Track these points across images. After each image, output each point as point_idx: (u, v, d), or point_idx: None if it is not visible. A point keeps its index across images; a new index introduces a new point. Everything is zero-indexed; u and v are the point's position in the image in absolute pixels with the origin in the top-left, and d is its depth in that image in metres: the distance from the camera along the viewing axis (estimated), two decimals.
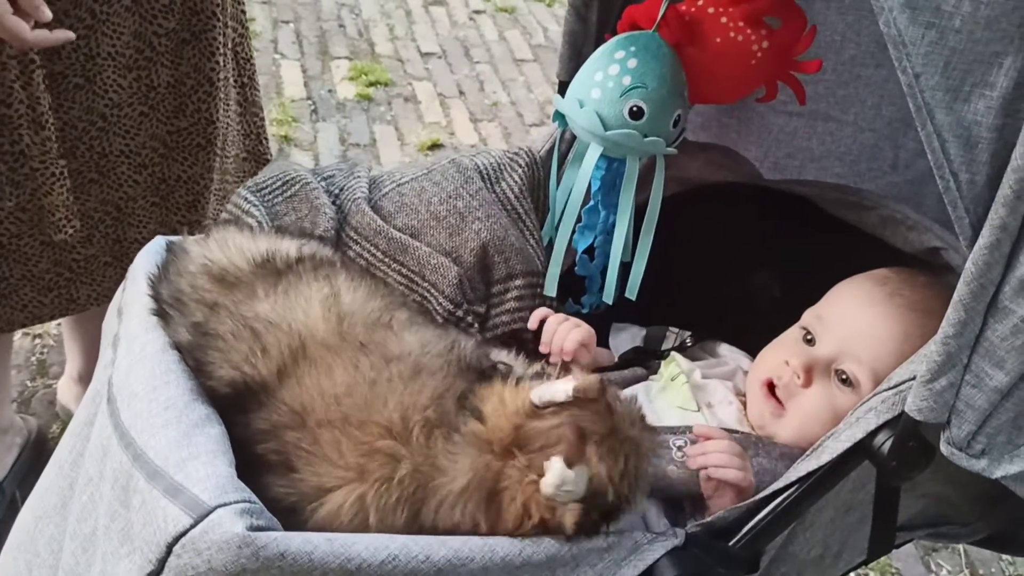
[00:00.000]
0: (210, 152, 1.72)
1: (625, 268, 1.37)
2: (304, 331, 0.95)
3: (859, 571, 2.10)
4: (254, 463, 0.90)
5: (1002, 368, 0.81)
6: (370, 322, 0.99)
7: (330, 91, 3.57)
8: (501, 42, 4.09)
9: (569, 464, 0.84)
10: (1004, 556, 2.22)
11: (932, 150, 0.74)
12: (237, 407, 0.93)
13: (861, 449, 0.92)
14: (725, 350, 1.43)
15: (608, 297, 1.35)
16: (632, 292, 1.36)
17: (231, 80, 1.73)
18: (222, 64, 1.67)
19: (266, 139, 1.89)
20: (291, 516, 0.88)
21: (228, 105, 1.74)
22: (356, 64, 3.73)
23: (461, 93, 3.71)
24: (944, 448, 0.86)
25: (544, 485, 0.85)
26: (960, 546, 2.22)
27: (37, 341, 2.39)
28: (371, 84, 3.63)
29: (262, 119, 1.86)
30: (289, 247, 1.10)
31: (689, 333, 1.50)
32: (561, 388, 0.89)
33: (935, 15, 0.71)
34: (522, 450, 0.88)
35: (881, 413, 0.91)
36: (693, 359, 1.39)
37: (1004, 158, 0.73)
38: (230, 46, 1.70)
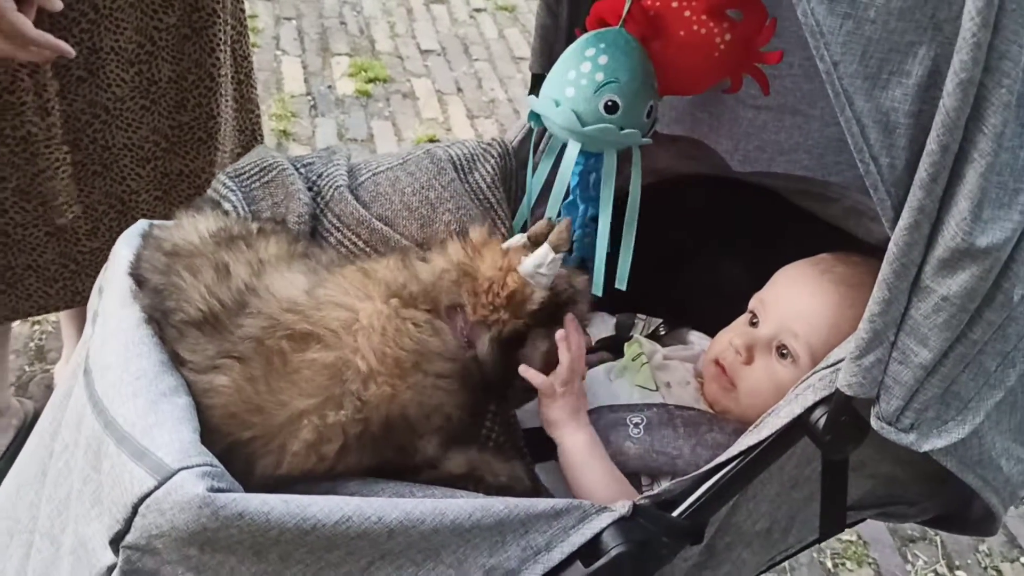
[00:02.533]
0: (211, 146, 1.75)
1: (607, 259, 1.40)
2: (262, 254, 1.07)
3: (835, 560, 2.14)
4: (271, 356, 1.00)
5: (926, 345, 0.85)
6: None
7: (329, 87, 3.62)
8: (500, 40, 4.13)
9: (555, 250, 1.09)
10: (980, 547, 2.25)
11: (852, 135, 0.78)
12: (216, 320, 1.01)
13: (799, 424, 0.96)
14: (695, 337, 1.47)
15: (597, 289, 1.37)
16: (622, 283, 1.39)
17: (229, 76, 1.77)
18: (222, 60, 1.70)
19: (261, 135, 1.92)
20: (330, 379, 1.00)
21: (227, 101, 1.77)
22: (356, 61, 3.78)
23: (459, 90, 3.76)
24: (874, 423, 0.90)
25: (524, 265, 1.10)
26: (937, 538, 2.26)
27: (36, 327, 2.44)
28: (370, 80, 3.68)
29: (258, 115, 1.90)
30: (251, 225, 1.17)
31: (661, 321, 1.54)
32: (517, 237, 1.19)
33: (851, 6, 0.75)
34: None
35: (818, 390, 0.95)
36: (663, 346, 1.43)
37: (921, 143, 0.77)
38: (229, 43, 1.73)
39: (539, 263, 1.09)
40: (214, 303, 1.02)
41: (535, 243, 1.14)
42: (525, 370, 1.14)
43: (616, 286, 1.37)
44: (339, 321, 1.02)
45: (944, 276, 0.81)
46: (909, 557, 2.21)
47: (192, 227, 1.15)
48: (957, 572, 2.20)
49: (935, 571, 2.19)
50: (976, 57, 0.71)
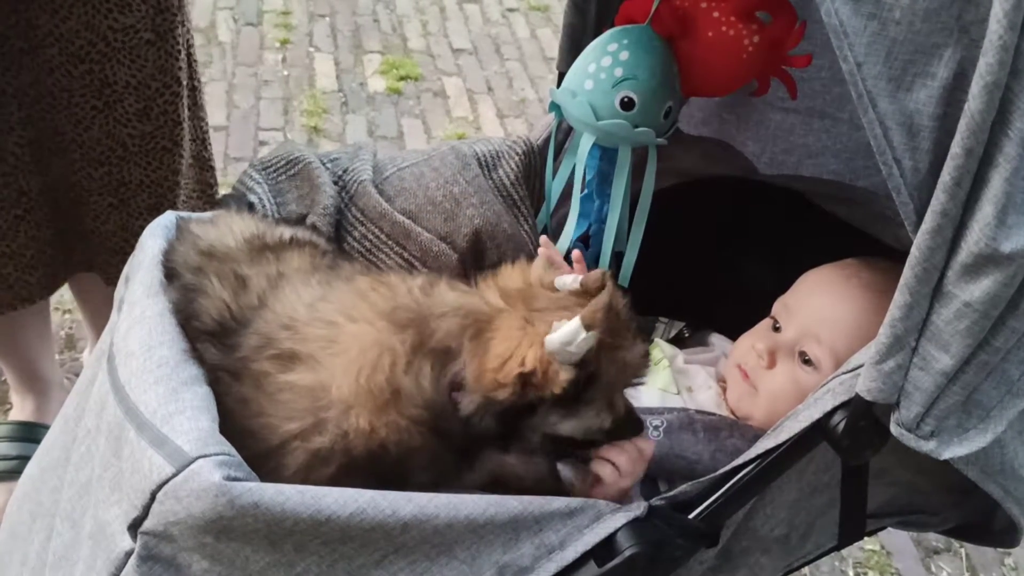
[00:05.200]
0: (176, 155, 1.70)
1: (619, 257, 1.41)
2: (282, 268, 1.05)
3: (858, 569, 2.12)
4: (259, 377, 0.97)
5: (947, 351, 0.84)
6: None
7: (361, 84, 3.64)
8: (532, 40, 4.13)
9: (587, 328, 0.91)
10: (1006, 560, 2.22)
11: (875, 137, 0.77)
12: (224, 344, 1.00)
13: (818, 428, 0.95)
14: (716, 339, 1.46)
15: None
16: (624, 280, 1.40)
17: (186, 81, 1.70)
18: (184, 65, 1.65)
19: (209, 144, 1.86)
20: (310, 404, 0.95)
21: (185, 105, 1.71)
22: (388, 58, 3.80)
23: (489, 89, 3.76)
24: (894, 429, 0.89)
25: (550, 340, 0.92)
26: (962, 550, 2.23)
27: (67, 316, 2.48)
28: (401, 78, 3.69)
29: (207, 123, 1.84)
30: (283, 231, 1.16)
31: (684, 324, 1.54)
32: (571, 278, 1.02)
33: (876, 6, 0.74)
34: (525, 305, 0.97)
35: (838, 395, 0.94)
36: (683, 348, 1.43)
37: (945, 146, 0.76)
38: (185, 46, 1.67)
39: (568, 341, 0.91)
40: (227, 316, 1.02)
41: (587, 293, 0.98)
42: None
43: (618, 282, 1.37)
44: (320, 341, 0.97)
45: (967, 282, 0.80)
46: (933, 569, 2.19)
47: (228, 228, 1.15)
48: None
49: None
50: (1003, 60, 0.70)
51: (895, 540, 2.22)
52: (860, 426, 0.91)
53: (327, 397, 0.95)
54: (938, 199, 0.77)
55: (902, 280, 0.83)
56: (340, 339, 0.96)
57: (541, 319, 0.95)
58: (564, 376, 0.93)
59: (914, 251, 0.81)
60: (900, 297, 0.83)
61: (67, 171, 1.64)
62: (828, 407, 0.94)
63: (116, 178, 1.66)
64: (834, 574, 2.14)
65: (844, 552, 2.18)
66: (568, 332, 0.91)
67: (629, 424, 1.06)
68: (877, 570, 2.16)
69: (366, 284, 1.02)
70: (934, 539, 2.24)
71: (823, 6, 0.76)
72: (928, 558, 2.21)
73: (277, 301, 1.02)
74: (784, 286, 1.35)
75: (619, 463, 1.04)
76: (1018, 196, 0.76)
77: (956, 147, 0.75)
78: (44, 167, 1.62)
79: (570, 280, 1.01)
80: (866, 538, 2.18)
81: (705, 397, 1.28)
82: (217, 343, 1.00)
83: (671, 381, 1.28)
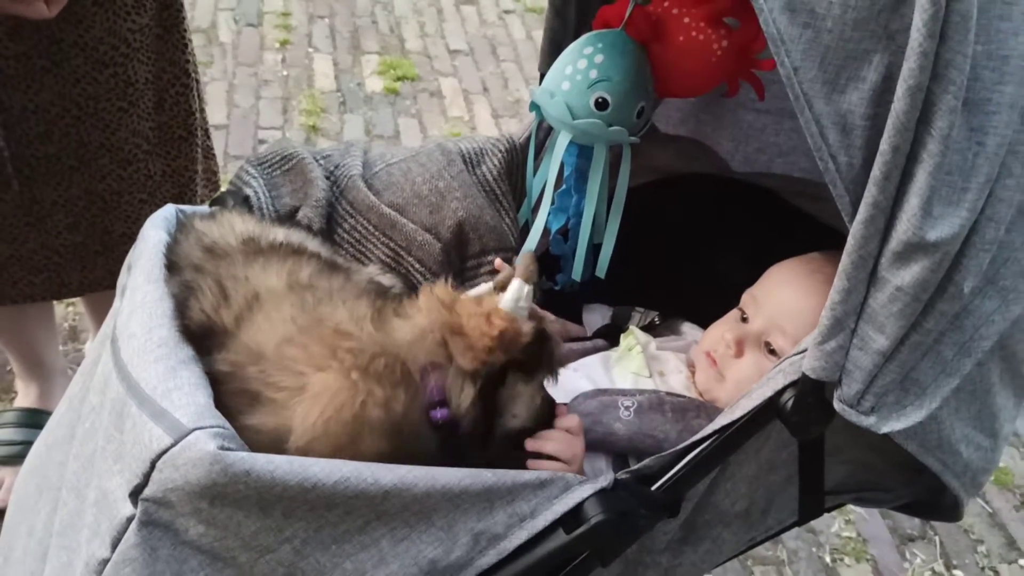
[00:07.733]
0: (192, 144, 1.79)
1: (597, 249, 1.48)
2: (260, 285, 1.10)
3: (834, 555, 2.19)
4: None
5: (883, 333, 0.91)
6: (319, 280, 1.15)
7: (359, 84, 3.71)
8: (528, 41, 4.20)
9: (526, 281, 1.08)
10: (979, 548, 2.29)
11: (811, 135, 0.85)
12: (202, 348, 1.06)
13: (770, 406, 1.02)
14: (687, 327, 1.54)
15: (577, 275, 1.46)
16: (601, 271, 1.47)
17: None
18: (192, 55, 1.74)
19: (210, 134, 1.94)
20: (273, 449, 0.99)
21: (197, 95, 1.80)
22: (386, 59, 3.88)
23: (485, 89, 3.83)
24: (836, 405, 0.96)
25: (505, 301, 1.07)
26: (936, 537, 2.30)
27: (70, 308, 2.55)
28: (399, 79, 3.77)
29: (207, 115, 1.91)
30: (276, 233, 1.23)
31: (656, 313, 1.61)
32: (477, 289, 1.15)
33: (810, 16, 0.81)
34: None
35: (788, 375, 1.01)
36: (656, 335, 1.50)
37: (876, 143, 0.84)
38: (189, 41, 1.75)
39: (517, 297, 1.07)
40: (206, 327, 1.07)
41: (501, 289, 1.11)
42: (534, 463, 1.14)
43: (595, 274, 1.44)
44: (286, 391, 1.02)
45: (898, 268, 0.87)
46: (907, 555, 2.26)
47: (229, 227, 1.21)
48: (955, 572, 2.24)
49: (932, 570, 2.23)
50: (923, 65, 0.78)
51: (871, 527, 2.29)
52: (807, 403, 0.98)
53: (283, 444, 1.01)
54: (870, 192, 0.85)
55: (840, 266, 0.90)
56: (308, 387, 1.01)
57: (487, 302, 1.08)
58: (527, 328, 1.08)
59: (850, 240, 0.88)
60: (839, 282, 0.91)
61: (92, 182, 1.71)
62: (779, 386, 1.01)
63: (143, 172, 1.74)
64: (811, 560, 2.21)
65: (821, 539, 2.25)
66: (515, 290, 1.07)
67: (546, 406, 1.16)
68: (853, 556, 2.23)
69: (330, 329, 1.06)
70: (909, 527, 2.31)
71: (761, 15, 0.83)
72: (903, 545, 2.28)
73: (251, 327, 1.06)
74: (754, 279, 1.42)
75: (556, 452, 1.13)
76: (943, 189, 0.83)
77: (884, 144, 0.82)
78: (63, 181, 1.69)
79: (482, 287, 1.14)
80: (843, 525, 2.27)
81: (676, 381, 1.35)
82: (196, 346, 1.06)
83: (644, 365, 1.35)
